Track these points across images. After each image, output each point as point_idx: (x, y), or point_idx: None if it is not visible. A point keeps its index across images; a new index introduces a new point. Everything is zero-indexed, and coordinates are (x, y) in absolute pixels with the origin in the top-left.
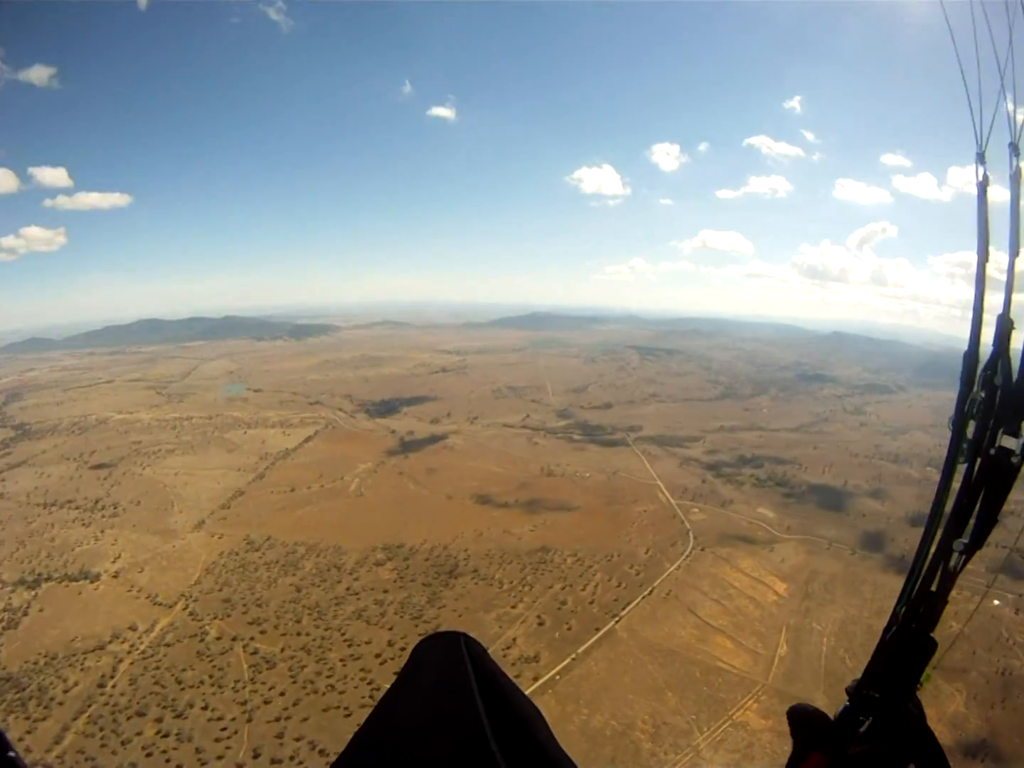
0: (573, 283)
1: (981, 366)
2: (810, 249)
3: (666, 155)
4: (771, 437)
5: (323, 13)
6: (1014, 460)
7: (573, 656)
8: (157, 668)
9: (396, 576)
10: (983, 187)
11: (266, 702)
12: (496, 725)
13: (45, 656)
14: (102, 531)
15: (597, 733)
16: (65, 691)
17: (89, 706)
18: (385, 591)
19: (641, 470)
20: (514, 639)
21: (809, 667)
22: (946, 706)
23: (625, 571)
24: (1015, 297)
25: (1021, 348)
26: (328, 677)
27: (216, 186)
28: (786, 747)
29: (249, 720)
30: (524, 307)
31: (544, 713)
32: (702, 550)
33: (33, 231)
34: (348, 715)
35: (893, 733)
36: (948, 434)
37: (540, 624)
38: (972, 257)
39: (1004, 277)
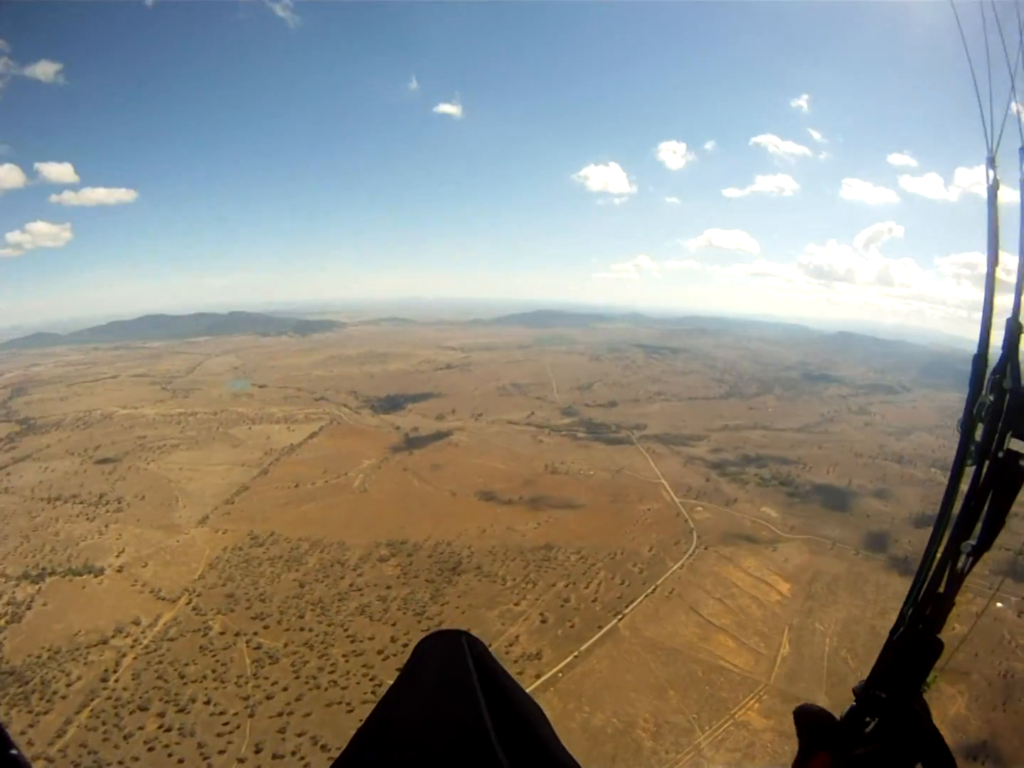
0: (579, 281)
1: (990, 369)
2: (816, 249)
3: (673, 153)
4: (776, 436)
5: (329, 9)
6: (1022, 463)
7: (575, 654)
8: (160, 663)
9: (400, 572)
10: (993, 191)
11: (268, 697)
12: (498, 723)
13: (48, 650)
14: (106, 526)
15: (598, 731)
16: (68, 685)
17: (92, 700)
18: (388, 587)
19: (645, 468)
20: (517, 636)
21: (811, 667)
22: (948, 708)
23: (628, 569)
24: None
25: None
26: (331, 673)
27: (222, 182)
28: (787, 747)
29: (251, 715)
30: (529, 304)
31: (546, 711)
32: (705, 549)
33: (39, 226)
34: (350, 711)
35: (900, 733)
36: (953, 435)
37: (543, 621)
38: (978, 258)
39: (1013, 280)
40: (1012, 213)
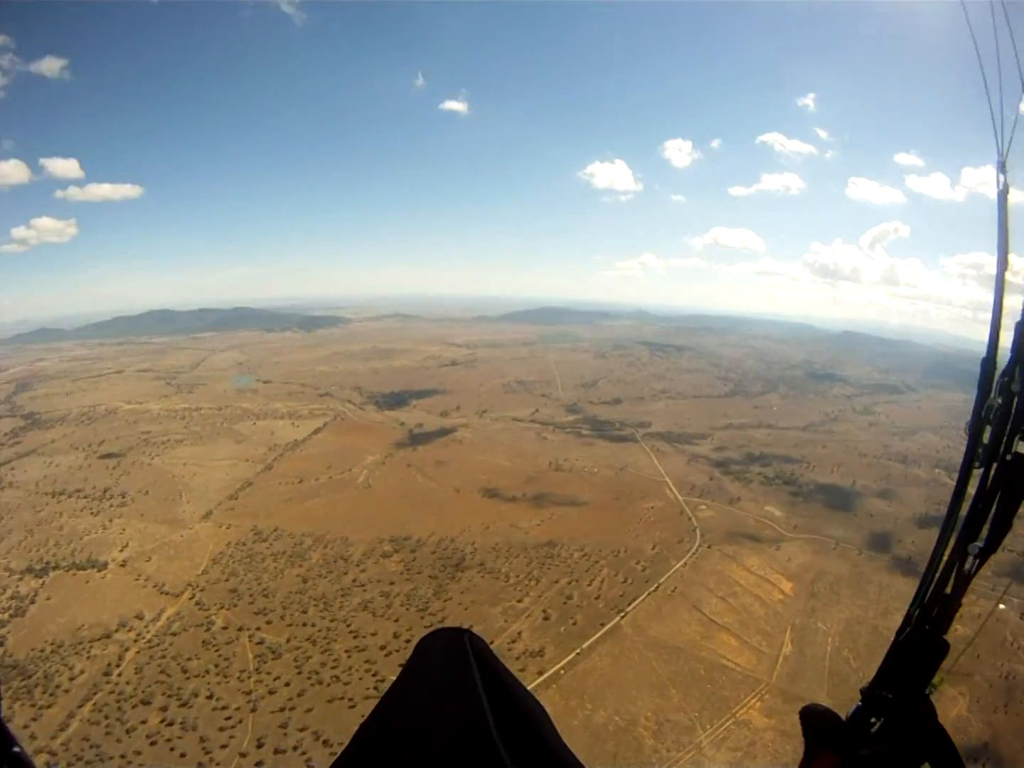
0: (584, 278)
1: (999, 372)
2: (822, 248)
3: (679, 151)
4: (780, 435)
5: (334, 6)
6: None
7: (578, 651)
8: (163, 657)
9: (403, 568)
10: (1003, 195)
11: (271, 692)
12: (500, 722)
13: (52, 644)
14: (110, 520)
15: (600, 728)
16: (71, 679)
17: (95, 694)
18: (391, 583)
19: (649, 466)
20: (519, 633)
21: (813, 667)
22: (949, 709)
23: (631, 567)
24: None
25: None
26: (333, 668)
27: (227, 178)
28: (788, 746)
29: (254, 710)
30: (535, 301)
31: (548, 708)
32: (709, 547)
33: (44, 222)
34: (352, 706)
35: (906, 733)
36: (957, 436)
37: (546, 618)
38: (984, 258)
39: (1022, 282)
40: (1021, 216)
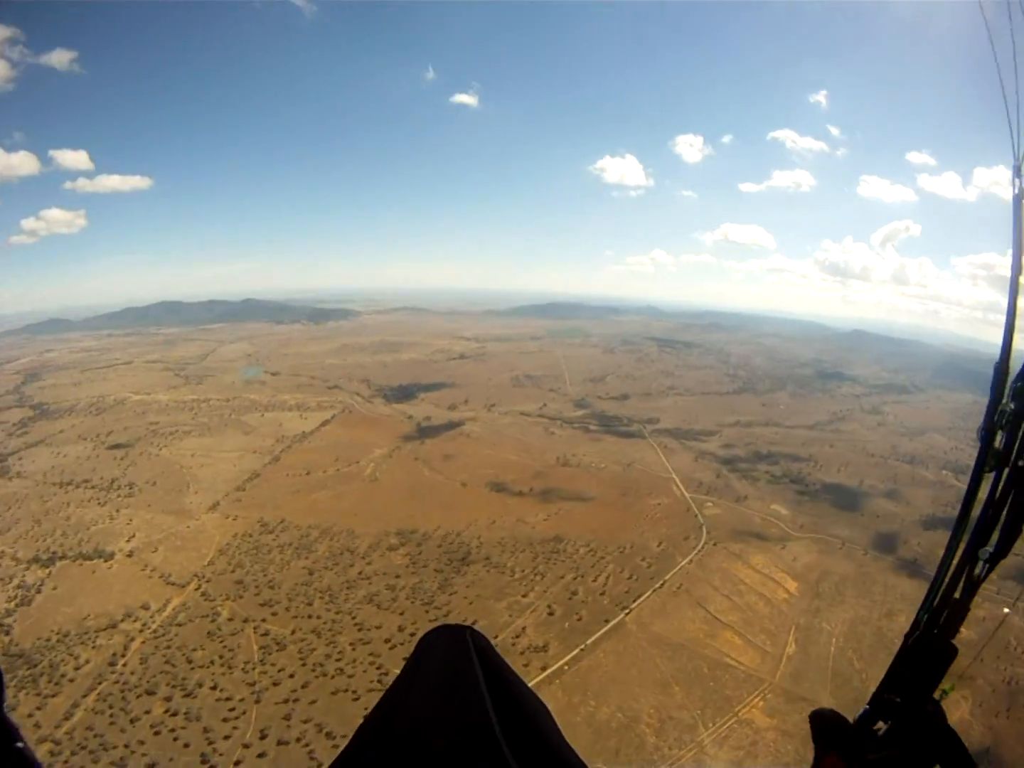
0: (593, 273)
1: (1011, 377)
2: (832, 245)
3: (690, 147)
4: (787, 434)
5: None
6: None
7: (582, 647)
8: (168, 647)
9: (408, 561)
10: (1019, 200)
11: (275, 684)
12: (503, 720)
13: (57, 633)
14: (117, 511)
15: (603, 725)
16: (76, 668)
17: (99, 684)
18: (397, 576)
19: (656, 463)
20: (524, 628)
21: (817, 667)
22: (951, 713)
23: (637, 563)
24: None
25: None
26: (337, 660)
27: (237, 170)
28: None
29: (257, 701)
30: (544, 296)
31: (551, 704)
32: (714, 545)
33: (54, 213)
34: (356, 699)
35: (915, 736)
36: (965, 437)
37: (550, 614)
38: (996, 259)
39: None
40: None
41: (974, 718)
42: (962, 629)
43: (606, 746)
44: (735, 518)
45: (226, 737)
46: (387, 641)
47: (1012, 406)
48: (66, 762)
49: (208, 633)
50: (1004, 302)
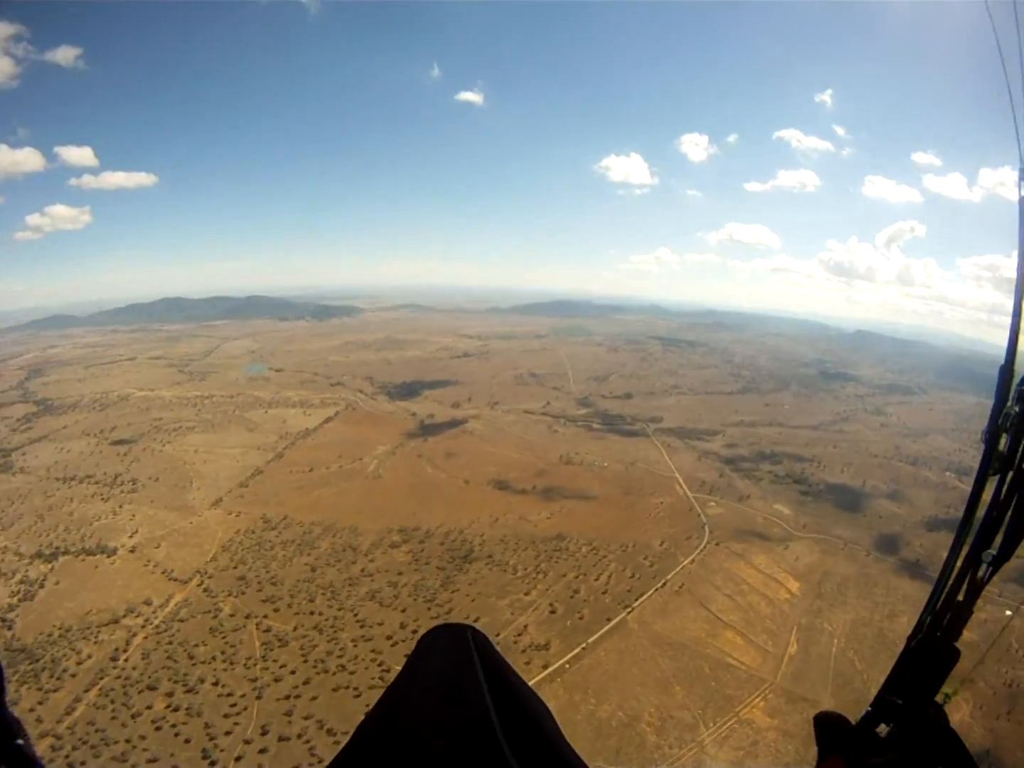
0: (598, 271)
1: (1016, 380)
2: (837, 246)
3: (695, 146)
4: (791, 434)
5: None
6: None
7: (583, 645)
8: (170, 643)
9: (411, 559)
10: None
11: (276, 680)
12: (504, 719)
13: (60, 628)
14: (120, 506)
15: (603, 723)
16: (78, 663)
17: (101, 679)
18: (399, 573)
19: (660, 462)
20: (526, 626)
21: (818, 668)
22: (951, 715)
23: (639, 562)
24: None
25: None
26: (339, 657)
27: (242, 166)
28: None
29: (259, 697)
30: (548, 294)
31: (552, 702)
32: (717, 544)
33: (58, 209)
34: (358, 695)
35: (917, 739)
36: (968, 439)
37: (552, 612)
38: (1000, 261)
39: None
40: None
41: (975, 720)
42: (964, 631)
43: (607, 745)
44: (738, 518)
45: (227, 733)
46: (389, 638)
47: (1016, 409)
48: (67, 757)
49: (210, 629)
50: (1009, 304)
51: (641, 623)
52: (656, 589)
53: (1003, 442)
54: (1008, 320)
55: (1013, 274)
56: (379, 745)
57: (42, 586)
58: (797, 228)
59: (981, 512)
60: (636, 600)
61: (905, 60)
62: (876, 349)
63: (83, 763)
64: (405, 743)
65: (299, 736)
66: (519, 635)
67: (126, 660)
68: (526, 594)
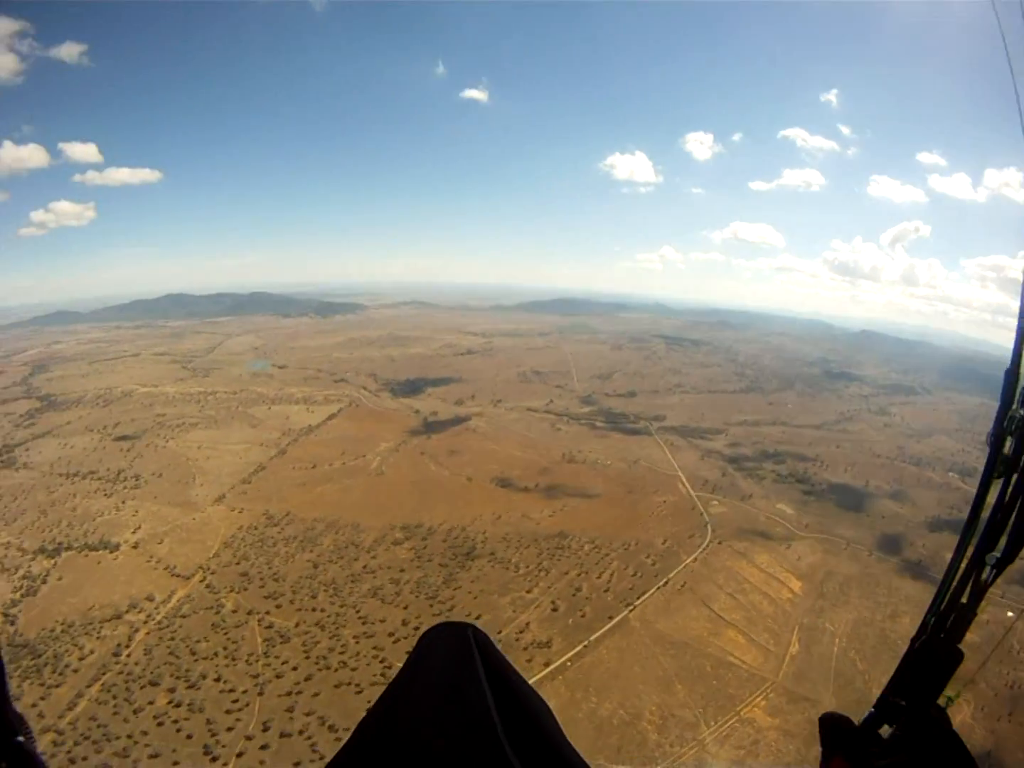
0: (602, 269)
1: (1021, 383)
2: (842, 245)
3: (700, 144)
4: (794, 433)
5: None
6: None
7: (585, 643)
8: (172, 639)
9: (413, 556)
10: None
11: (278, 676)
12: (505, 718)
13: (62, 624)
14: (123, 502)
15: (604, 722)
16: (80, 659)
17: (103, 674)
18: (402, 570)
19: (663, 460)
20: (527, 623)
21: (820, 667)
22: (953, 716)
23: (642, 561)
24: None
25: None
26: (341, 653)
27: (245, 163)
28: (791, 746)
29: (261, 693)
30: (552, 291)
31: (553, 700)
32: (719, 543)
33: (63, 205)
34: (359, 692)
35: (920, 741)
36: (972, 440)
37: (554, 610)
38: (1005, 261)
39: None
40: None
41: (976, 722)
42: (967, 633)
43: (608, 743)
44: (740, 517)
45: (229, 729)
46: (391, 635)
47: (1022, 412)
48: (69, 752)
49: (212, 625)
50: (1014, 305)
51: (643, 621)
52: (658, 587)
53: (1008, 445)
54: (1013, 322)
55: (1018, 275)
56: (380, 744)
57: (45, 581)
58: (802, 227)
59: (986, 514)
60: (638, 598)
61: (911, 60)
62: (880, 349)
63: (85, 758)
64: (406, 742)
65: (301, 732)
66: (521, 633)
67: (128, 656)
68: (528, 592)
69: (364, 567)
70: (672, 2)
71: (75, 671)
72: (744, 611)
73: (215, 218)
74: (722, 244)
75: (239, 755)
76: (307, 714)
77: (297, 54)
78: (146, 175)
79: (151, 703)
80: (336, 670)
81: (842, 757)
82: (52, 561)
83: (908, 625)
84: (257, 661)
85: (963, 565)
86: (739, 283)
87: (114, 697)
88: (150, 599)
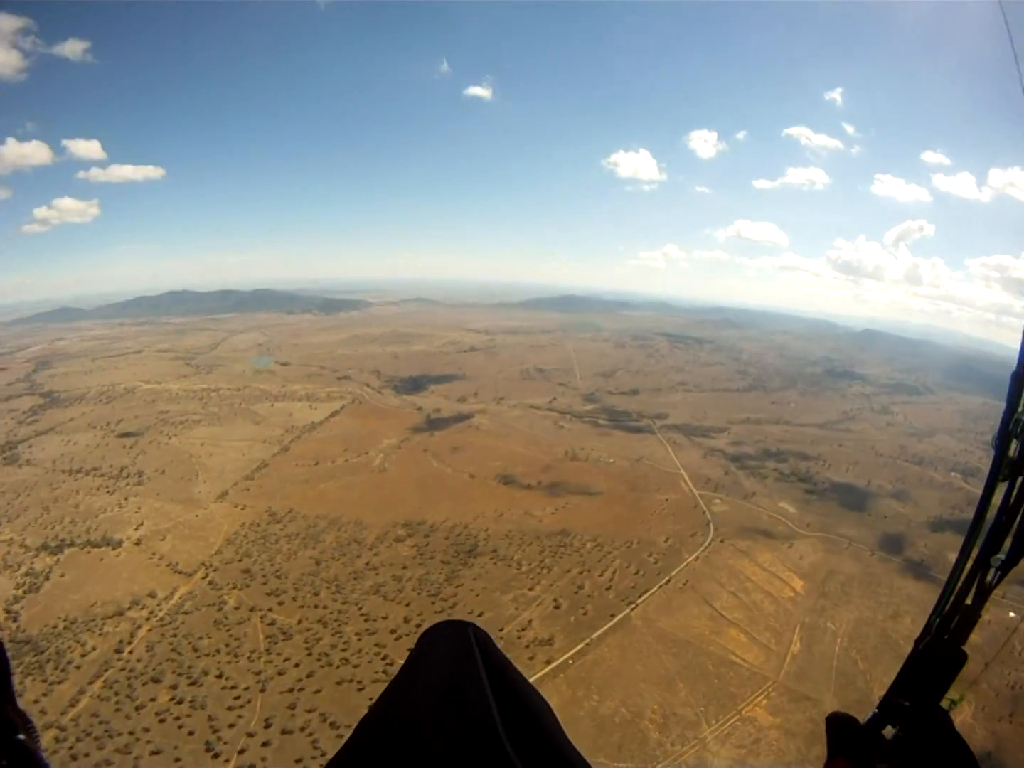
0: (606, 267)
1: None
2: (845, 244)
3: (704, 142)
4: (797, 432)
5: None
6: None
7: (587, 641)
8: (174, 635)
9: (415, 553)
10: None
11: (280, 673)
12: (506, 716)
13: (64, 620)
14: (126, 499)
15: (606, 720)
16: (83, 655)
17: (105, 671)
18: (404, 567)
19: (665, 458)
20: (530, 621)
21: (821, 667)
22: (953, 717)
23: (644, 559)
24: None
25: None
26: (343, 650)
27: (249, 160)
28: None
29: (263, 690)
30: (555, 289)
31: (554, 697)
32: (721, 542)
33: (66, 202)
34: (361, 689)
35: (923, 742)
36: (975, 440)
37: (556, 607)
38: (1009, 261)
39: None
40: None
41: (977, 722)
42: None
43: (609, 741)
44: (743, 515)
45: (231, 725)
46: (393, 632)
47: None
48: (71, 748)
49: (214, 622)
50: (1018, 304)
51: (645, 619)
52: (660, 586)
53: (1013, 448)
54: (1017, 321)
55: (1022, 275)
56: (380, 743)
57: (47, 578)
58: (805, 226)
59: (991, 516)
60: (640, 596)
61: (916, 59)
62: (883, 348)
63: (87, 755)
64: (406, 741)
65: (302, 729)
66: (523, 630)
67: (130, 652)
68: (530, 589)
69: (366, 564)
70: (677, 0)
71: (77, 668)
72: (746, 610)
73: (218, 215)
74: (726, 242)
75: (241, 752)
76: (309, 711)
77: (301, 51)
78: (149, 172)
79: (153, 700)
80: (338, 667)
81: (845, 758)
82: (55, 558)
83: (910, 625)
84: (259, 658)
85: (968, 567)
86: (743, 281)
87: (116, 694)
88: (152, 596)
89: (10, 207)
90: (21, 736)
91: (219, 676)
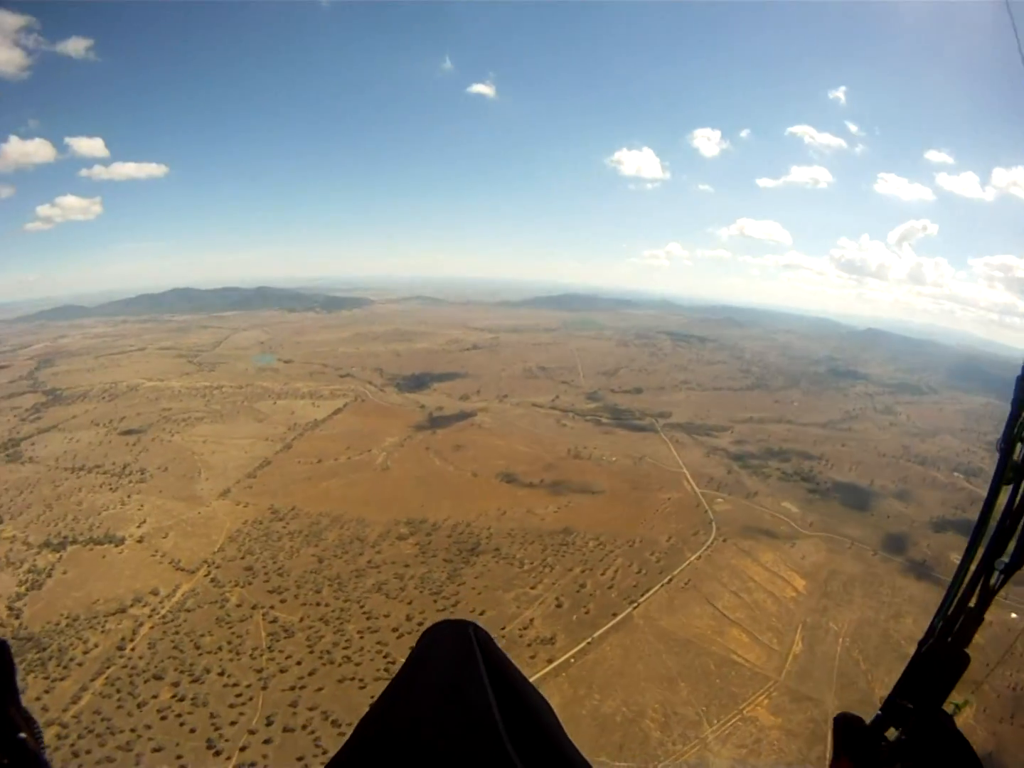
0: (609, 265)
1: None
2: (849, 243)
3: (707, 141)
4: (800, 431)
5: None
6: None
7: (589, 640)
8: (176, 633)
9: (418, 551)
10: None
11: (282, 670)
12: (506, 716)
13: (67, 617)
14: (128, 496)
15: (607, 719)
16: (85, 652)
17: (107, 668)
18: (406, 565)
19: (668, 457)
20: (531, 620)
21: (823, 667)
22: (955, 717)
23: (646, 558)
24: None
25: None
26: (345, 648)
27: (252, 158)
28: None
29: (264, 687)
30: (558, 287)
31: (556, 696)
32: (724, 541)
33: (69, 200)
34: (363, 687)
35: (926, 744)
36: (977, 440)
37: (558, 606)
38: (1013, 261)
39: None
40: None
41: (978, 723)
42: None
43: (610, 740)
44: (745, 514)
45: (232, 723)
46: (395, 630)
47: None
48: (73, 745)
49: (217, 619)
50: (1022, 305)
51: (647, 619)
52: (662, 585)
53: (1018, 451)
54: (1022, 322)
55: None
56: (381, 742)
57: (50, 575)
58: (809, 225)
59: (995, 519)
60: (642, 595)
61: (919, 58)
62: (886, 348)
63: (88, 752)
64: (407, 740)
65: (304, 727)
66: (525, 629)
67: (133, 650)
68: (532, 588)
69: (369, 562)
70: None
71: (79, 665)
72: (748, 609)
73: (221, 213)
74: (729, 241)
75: (242, 749)
76: (311, 709)
77: (303, 50)
78: (152, 170)
79: (155, 697)
80: (340, 665)
81: (848, 759)
82: (57, 555)
83: (911, 626)
84: (261, 656)
85: (972, 569)
86: (746, 280)
87: (118, 691)
88: (155, 593)
89: (13, 205)
90: (23, 735)
91: (221, 673)
